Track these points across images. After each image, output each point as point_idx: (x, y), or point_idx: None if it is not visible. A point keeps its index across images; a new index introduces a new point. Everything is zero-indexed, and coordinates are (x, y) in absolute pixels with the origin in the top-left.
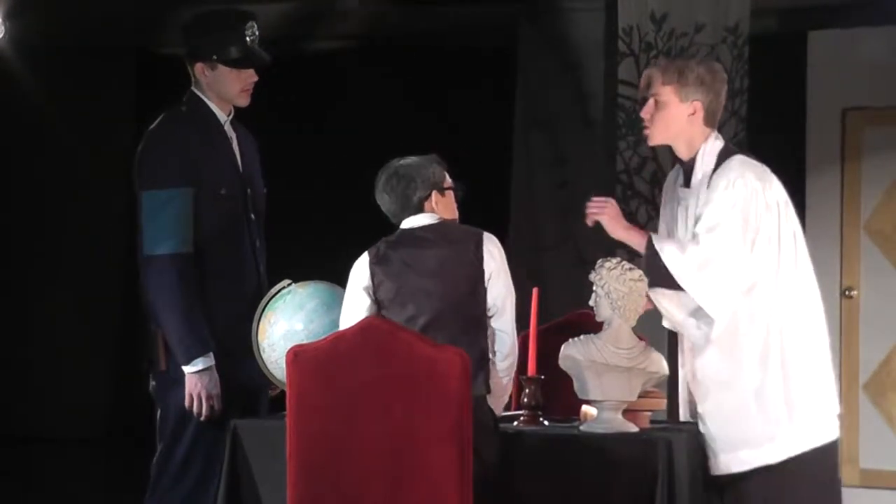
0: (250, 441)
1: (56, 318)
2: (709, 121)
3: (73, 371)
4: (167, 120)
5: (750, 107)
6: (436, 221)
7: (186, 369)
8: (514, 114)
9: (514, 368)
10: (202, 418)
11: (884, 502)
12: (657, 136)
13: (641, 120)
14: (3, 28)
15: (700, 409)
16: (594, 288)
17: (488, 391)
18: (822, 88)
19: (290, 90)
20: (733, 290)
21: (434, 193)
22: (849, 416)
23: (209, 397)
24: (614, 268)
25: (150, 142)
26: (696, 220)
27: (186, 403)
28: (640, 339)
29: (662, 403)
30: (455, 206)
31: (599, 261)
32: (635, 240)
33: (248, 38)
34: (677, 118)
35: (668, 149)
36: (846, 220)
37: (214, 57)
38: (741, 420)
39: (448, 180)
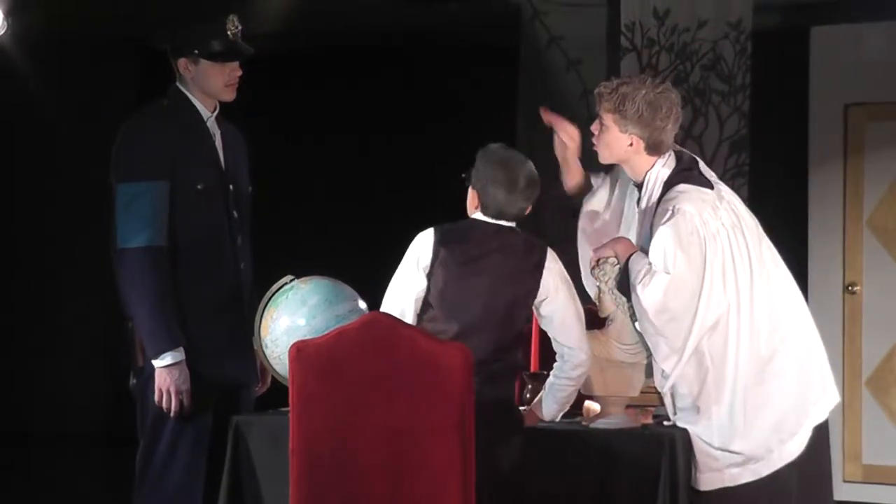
0: (252, 437)
1: (58, 314)
2: (652, 151)
3: (75, 368)
4: (145, 113)
5: (752, 102)
6: (509, 225)
7: (155, 363)
8: (517, 110)
9: (583, 379)
10: (171, 414)
11: (886, 498)
12: (603, 157)
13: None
14: (5, 24)
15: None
16: (597, 284)
17: (520, 402)
18: (824, 84)
19: (293, 86)
20: (677, 337)
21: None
22: (851, 412)
23: (178, 392)
24: (617, 264)
25: (126, 134)
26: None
27: (156, 398)
28: None
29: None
30: None
31: (603, 257)
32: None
33: (230, 32)
34: (618, 145)
35: None
36: (849, 215)
37: (196, 51)
38: (700, 446)
39: None
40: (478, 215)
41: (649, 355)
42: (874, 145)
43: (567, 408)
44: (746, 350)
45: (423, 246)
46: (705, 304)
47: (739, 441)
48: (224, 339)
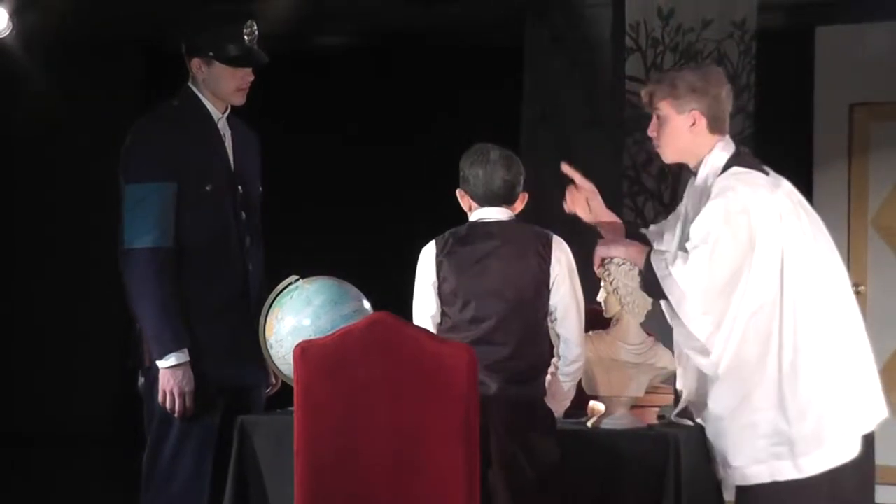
0: (258, 437)
1: (62, 314)
2: (714, 127)
3: (81, 368)
4: (155, 114)
5: (757, 102)
6: (508, 218)
7: (160, 364)
8: (521, 110)
9: (580, 374)
10: (175, 415)
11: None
12: (668, 153)
13: (649, 120)
14: (10, 24)
15: (707, 428)
16: (602, 284)
17: (544, 394)
18: (829, 84)
19: (298, 88)
20: (722, 313)
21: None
22: None
23: (182, 393)
24: (622, 263)
25: (135, 135)
26: (684, 234)
27: (160, 399)
28: (649, 334)
29: (670, 399)
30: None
31: (608, 258)
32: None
33: (246, 38)
34: (680, 131)
35: None
36: (853, 215)
37: (211, 54)
38: (745, 441)
39: None
40: (475, 215)
41: (656, 359)
42: (879, 145)
43: (568, 403)
44: (795, 334)
45: (426, 262)
46: (750, 285)
47: (794, 424)
48: (230, 340)
